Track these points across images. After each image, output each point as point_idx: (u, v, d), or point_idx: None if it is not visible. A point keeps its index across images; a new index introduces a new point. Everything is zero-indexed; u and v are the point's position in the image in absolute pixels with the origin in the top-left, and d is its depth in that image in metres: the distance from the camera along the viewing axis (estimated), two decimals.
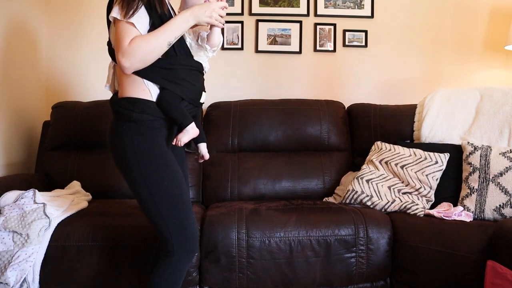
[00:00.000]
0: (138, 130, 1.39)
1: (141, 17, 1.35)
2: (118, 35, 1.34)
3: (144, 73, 1.39)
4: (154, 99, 1.42)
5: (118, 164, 1.43)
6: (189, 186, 1.74)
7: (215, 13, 1.42)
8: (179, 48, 1.46)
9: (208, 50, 1.56)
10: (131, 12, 1.32)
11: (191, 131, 1.47)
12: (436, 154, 2.14)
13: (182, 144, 1.48)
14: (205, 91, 1.56)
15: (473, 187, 2.00)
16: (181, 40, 1.47)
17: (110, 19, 1.39)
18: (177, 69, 1.44)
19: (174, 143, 1.47)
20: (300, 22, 2.84)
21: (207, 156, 1.68)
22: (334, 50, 2.87)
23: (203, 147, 1.67)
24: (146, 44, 1.33)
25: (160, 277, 1.40)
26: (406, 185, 2.13)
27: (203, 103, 1.57)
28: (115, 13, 1.33)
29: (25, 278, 1.65)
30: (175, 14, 1.55)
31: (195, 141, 1.64)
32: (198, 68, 1.53)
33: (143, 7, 1.36)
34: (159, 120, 1.43)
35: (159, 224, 1.39)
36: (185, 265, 1.44)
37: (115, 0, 1.36)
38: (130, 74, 1.39)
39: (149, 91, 1.41)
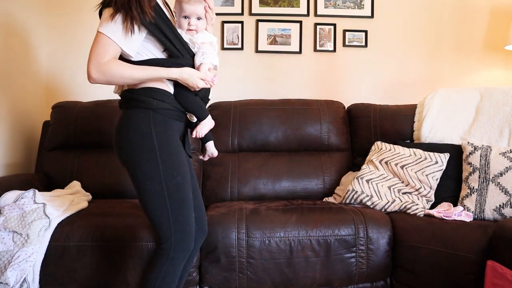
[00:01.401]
0: (157, 119, 1.39)
1: (131, 39, 1.35)
2: (98, 45, 1.34)
3: None
4: (171, 91, 1.45)
5: (128, 156, 1.39)
6: (194, 174, 1.71)
7: (199, 87, 1.43)
8: (183, 51, 1.47)
9: None
10: (121, 34, 1.33)
11: (208, 123, 1.51)
12: (436, 154, 2.14)
13: (202, 136, 1.51)
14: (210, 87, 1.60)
15: (473, 187, 2.00)
16: (184, 43, 1.48)
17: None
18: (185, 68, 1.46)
19: (194, 136, 1.50)
20: (300, 22, 2.85)
21: (216, 153, 1.69)
22: (334, 50, 2.87)
23: (211, 145, 1.69)
24: (120, 73, 1.35)
25: (156, 276, 1.39)
26: (406, 185, 2.13)
27: (210, 99, 1.61)
28: (103, 27, 1.33)
29: (25, 278, 1.65)
30: (171, 12, 1.56)
31: (202, 141, 1.66)
32: None
33: (135, 28, 1.34)
34: (177, 112, 1.45)
35: (162, 220, 1.38)
36: (180, 263, 1.44)
37: (108, 11, 1.34)
38: None
39: (167, 84, 1.44)
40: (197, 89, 1.44)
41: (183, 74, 1.41)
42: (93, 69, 1.33)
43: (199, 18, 1.51)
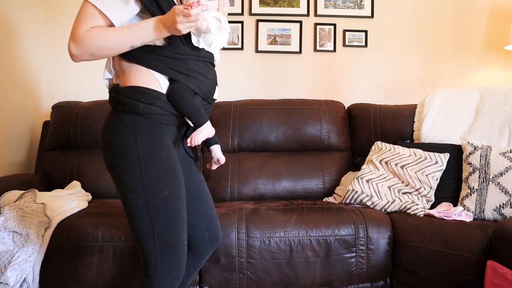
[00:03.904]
0: (144, 125, 1.20)
1: (123, 11, 1.17)
2: (80, 15, 1.16)
3: (150, 63, 1.22)
4: (164, 91, 1.24)
5: (112, 164, 1.22)
6: (204, 182, 1.49)
7: (182, 22, 1.12)
8: (186, 36, 1.23)
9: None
10: (110, 2, 1.15)
11: (206, 129, 1.28)
12: (436, 154, 2.14)
13: (198, 144, 1.28)
14: (217, 85, 1.37)
15: (473, 187, 2.00)
16: None
17: None
18: (187, 60, 1.25)
19: (189, 144, 1.28)
20: (300, 22, 2.85)
21: (223, 159, 1.46)
22: (334, 50, 2.87)
23: (217, 150, 1.45)
24: (103, 40, 1.15)
25: None
26: (406, 185, 2.13)
27: (216, 99, 1.38)
28: None
29: (25, 278, 1.65)
30: None
31: (207, 144, 1.44)
32: (210, 59, 1.32)
33: None
34: (169, 116, 1.24)
35: (146, 240, 1.20)
36: None
37: None
38: (134, 64, 1.23)
39: (158, 81, 1.23)
40: (181, 31, 1.14)
41: (163, 22, 1.15)
42: (72, 44, 1.16)
43: None
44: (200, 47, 1.26)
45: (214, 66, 1.36)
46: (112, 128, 1.23)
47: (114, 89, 1.27)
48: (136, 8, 1.19)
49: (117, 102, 1.24)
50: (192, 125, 1.28)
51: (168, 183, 1.20)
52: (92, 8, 1.14)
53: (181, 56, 1.23)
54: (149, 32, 1.16)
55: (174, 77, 1.24)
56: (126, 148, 1.19)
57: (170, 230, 1.21)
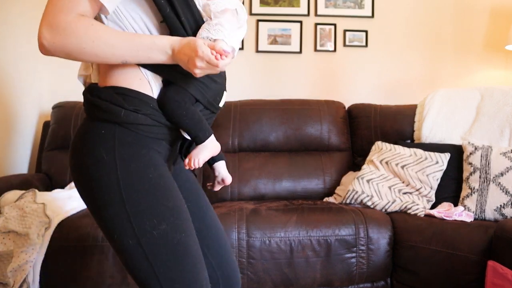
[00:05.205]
0: (124, 138, 0.90)
1: None
2: None
3: None
4: (155, 95, 0.93)
5: (85, 194, 0.92)
6: (211, 207, 1.18)
7: (202, 68, 0.86)
8: (191, 25, 0.93)
9: None
10: None
11: (210, 147, 0.98)
12: (436, 154, 2.14)
13: (199, 166, 0.98)
14: (226, 90, 1.06)
15: (474, 187, 2.00)
16: (193, 12, 0.93)
17: None
18: None
19: (187, 167, 0.98)
20: (301, 22, 2.84)
21: (228, 179, 1.15)
22: (335, 50, 2.87)
23: (222, 168, 1.15)
24: (89, 41, 0.84)
25: None
26: (407, 185, 2.13)
27: (222, 107, 1.06)
28: None
29: (25, 279, 1.64)
30: None
31: (209, 161, 1.13)
32: None
33: None
34: (160, 128, 0.94)
35: None
36: None
37: None
38: None
39: (148, 82, 0.93)
40: (196, 75, 0.88)
41: (179, 52, 0.87)
42: (45, 31, 0.84)
43: None
44: None
45: None
46: (82, 143, 0.91)
47: (89, 89, 0.96)
48: None
49: (91, 106, 0.93)
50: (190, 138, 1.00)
51: (163, 213, 0.89)
52: None
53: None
54: (154, 55, 0.88)
55: (171, 79, 0.93)
56: (100, 172, 0.88)
57: (180, 274, 0.89)
